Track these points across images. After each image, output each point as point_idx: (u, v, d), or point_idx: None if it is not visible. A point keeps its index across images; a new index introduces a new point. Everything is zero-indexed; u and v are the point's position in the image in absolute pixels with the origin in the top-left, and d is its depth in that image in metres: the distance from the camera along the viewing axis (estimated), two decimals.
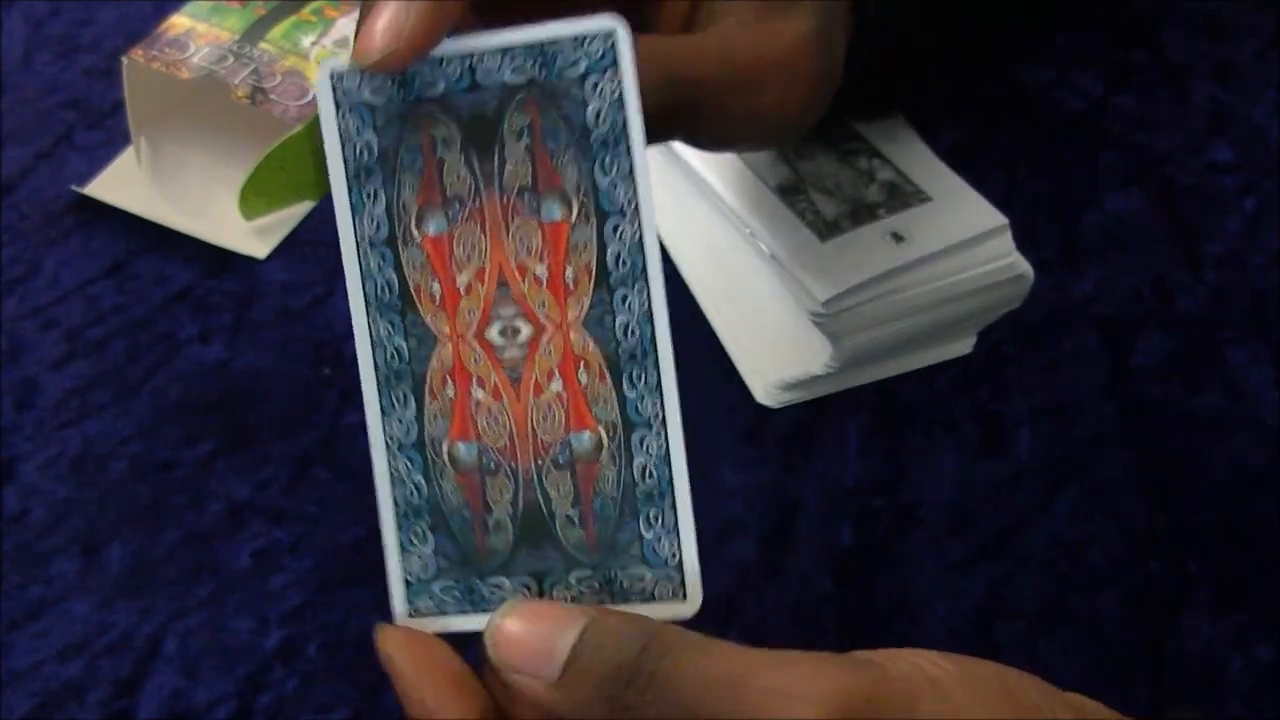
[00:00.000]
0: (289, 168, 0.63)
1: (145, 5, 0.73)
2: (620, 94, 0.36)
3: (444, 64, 0.37)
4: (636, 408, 0.37)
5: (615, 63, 0.36)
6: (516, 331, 0.37)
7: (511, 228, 0.37)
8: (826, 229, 0.55)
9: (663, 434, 0.37)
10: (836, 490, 0.55)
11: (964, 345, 0.59)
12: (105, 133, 0.68)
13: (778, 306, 0.56)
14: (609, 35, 0.36)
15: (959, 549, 0.54)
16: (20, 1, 0.75)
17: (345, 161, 0.38)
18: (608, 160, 0.37)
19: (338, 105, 0.38)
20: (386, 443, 0.38)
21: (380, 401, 0.38)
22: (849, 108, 0.52)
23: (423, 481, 0.38)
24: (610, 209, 0.37)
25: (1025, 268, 0.55)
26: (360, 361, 0.38)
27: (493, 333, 0.37)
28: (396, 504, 0.38)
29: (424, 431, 0.38)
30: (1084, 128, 0.68)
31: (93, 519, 0.55)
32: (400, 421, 0.38)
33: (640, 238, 0.37)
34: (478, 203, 0.37)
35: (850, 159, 0.57)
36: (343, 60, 0.37)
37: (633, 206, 0.37)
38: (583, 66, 0.36)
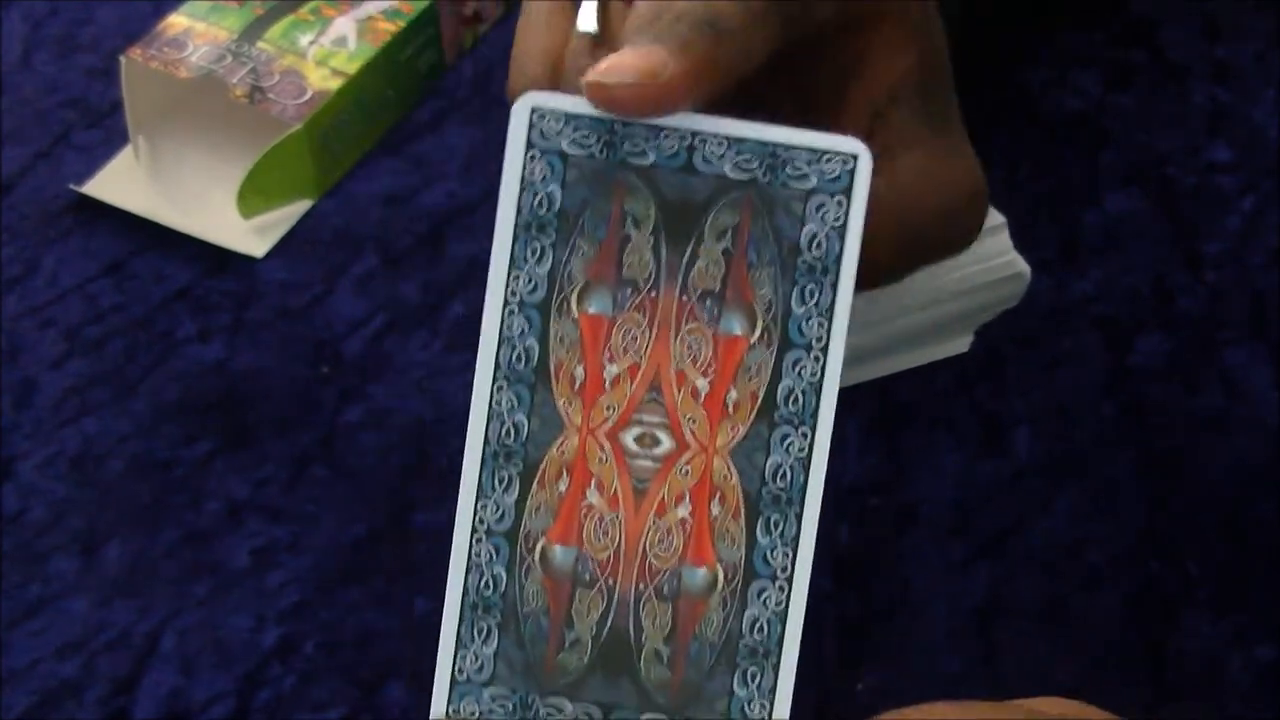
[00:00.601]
0: (287, 166, 0.63)
1: (144, 5, 0.73)
2: (845, 223, 0.34)
3: (662, 134, 0.34)
4: (766, 556, 0.34)
5: (849, 189, 0.34)
6: (656, 442, 0.34)
7: (683, 331, 0.34)
8: None
9: (786, 590, 0.34)
10: (836, 489, 0.55)
11: (961, 344, 0.59)
12: (104, 132, 0.68)
13: None
14: (851, 158, 0.34)
15: (958, 548, 0.54)
16: (20, 1, 0.74)
17: (519, 209, 0.34)
18: (810, 289, 0.34)
19: (529, 145, 0.34)
20: (474, 524, 0.34)
21: (480, 477, 0.34)
22: None
23: (503, 574, 0.34)
24: (797, 340, 0.34)
25: (1022, 266, 0.55)
26: (470, 429, 0.34)
27: (628, 437, 0.34)
28: (466, 592, 0.34)
29: (520, 521, 0.34)
30: (1084, 128, 0.68)
31: (91, 518, 0.55)
32: (496, 505, 0.34)
33: (821, 379, 0.34)
34: (654, 294, 0.34)
35: None
36: (548, 97, 0.34)
37: (822, 344, 0.34)
38: (813, 182, 0.34)
